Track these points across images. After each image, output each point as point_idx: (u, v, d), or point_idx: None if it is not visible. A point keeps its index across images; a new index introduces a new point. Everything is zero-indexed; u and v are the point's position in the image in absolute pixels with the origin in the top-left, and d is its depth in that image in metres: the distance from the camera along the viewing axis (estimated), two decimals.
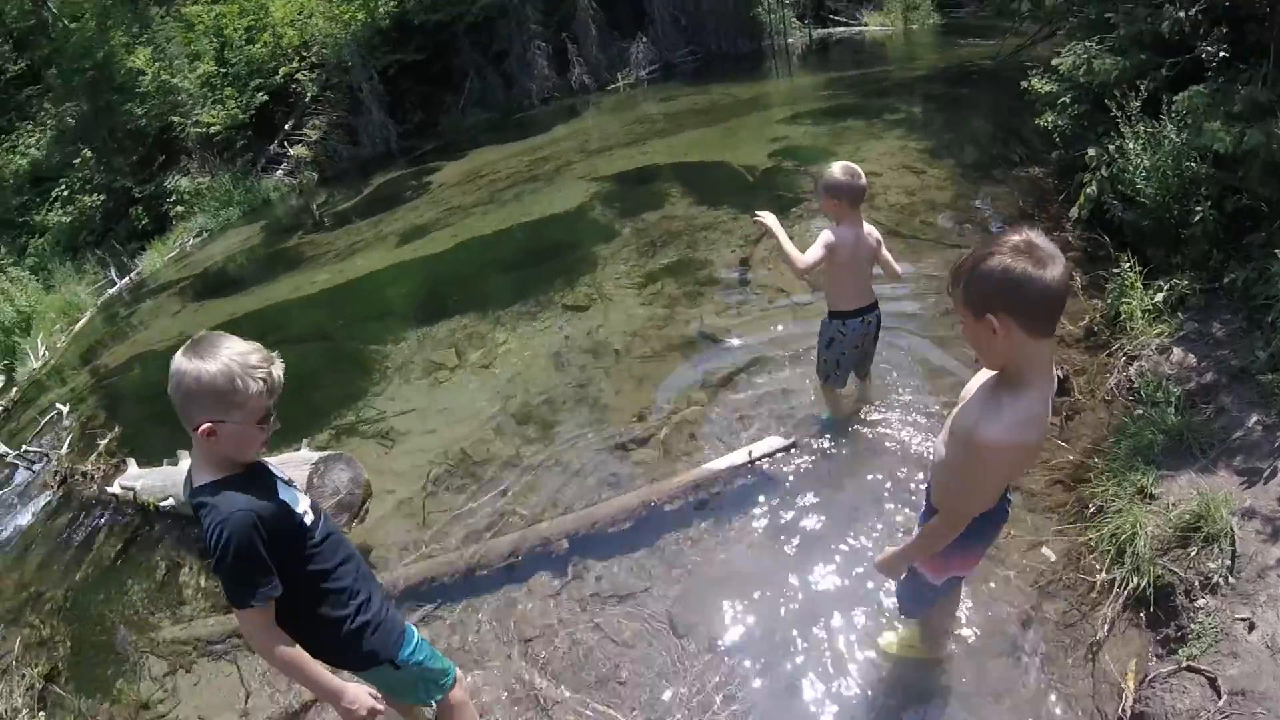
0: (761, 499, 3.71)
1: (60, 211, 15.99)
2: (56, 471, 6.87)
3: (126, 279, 13.61)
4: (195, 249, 14.14)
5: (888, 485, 3.58)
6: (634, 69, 16.98)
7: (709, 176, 8.83)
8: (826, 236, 3.26)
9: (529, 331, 6.07)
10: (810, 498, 3.63)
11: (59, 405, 8.40)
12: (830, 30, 18.24)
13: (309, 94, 16.24)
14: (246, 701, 3.60)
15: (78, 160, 16.35)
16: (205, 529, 1.77)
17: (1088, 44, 5.47)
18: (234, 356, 1.71)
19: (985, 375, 1.76)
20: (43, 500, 6.76)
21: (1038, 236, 1.52)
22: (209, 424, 1.73)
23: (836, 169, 3.21)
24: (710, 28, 17.70)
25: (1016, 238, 1.52)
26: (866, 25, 18.13)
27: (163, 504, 5.03)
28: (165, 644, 4.28)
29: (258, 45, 16.08)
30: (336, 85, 16.37)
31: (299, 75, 16.11)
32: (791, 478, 3.78)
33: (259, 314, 9.14)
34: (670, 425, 4.33)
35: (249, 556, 1.76)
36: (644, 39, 17.23)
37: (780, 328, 5.11)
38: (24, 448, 7.69)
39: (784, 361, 4.67)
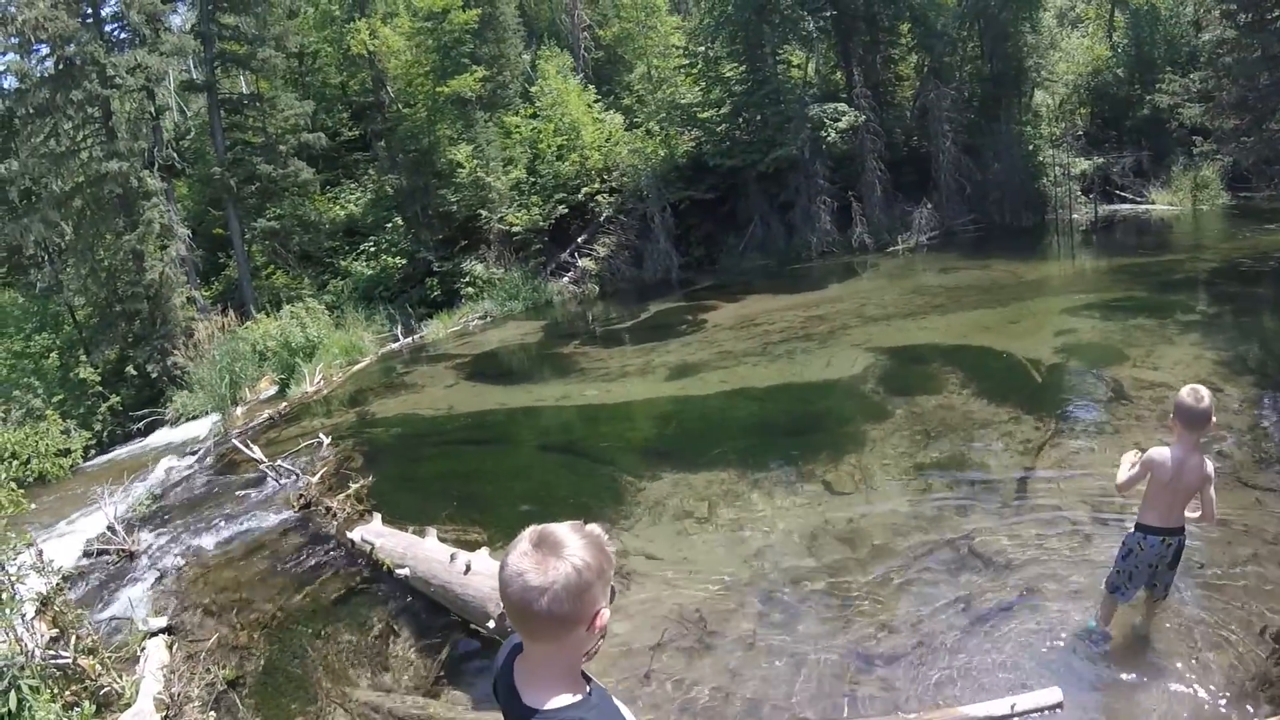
0: None
1: (364, 264, 18.41)
2: (302, 495, 7.12)
3: (410, 338, 15.05)
4: (477, 329, 15.46)
5: None
6: (915, 233, 16.63)
7: (991, 366, 8.19)
8: (1149, 454, 3.34)
9: (786, 503, 5.78)
10: None
11: (322, 435, 8.86)
12: (1116, 207, 17.29)
13: (604, 214, 17.71)
14: None
15: (389, 225, 18.92)
16: None
17: None
18: (584, 532, 1.45)
19: None
20: (281, 515, 7.03)
21: None
22: (604, 608, 1.45)
23: (1184, 390, 3.28)
24: (994, 198, 17.28)
25: None
26: (1153, 204, 17.02)
27: (398, 571, 4.78)
28: (357, 704, 4.14)
29: (566, 163, 17.94)
30: (631, 211, 17.72)
31: (598, 196, 17.67)
32: None
33: (528, 412, 9.45)
34: (925, 647, 3.96)
35: None
36: (928, 205, 16.95)
37: (1057, 556, 4.58)
38: (278, 461, 8.12)
39: (1057, 595, 4.18)
